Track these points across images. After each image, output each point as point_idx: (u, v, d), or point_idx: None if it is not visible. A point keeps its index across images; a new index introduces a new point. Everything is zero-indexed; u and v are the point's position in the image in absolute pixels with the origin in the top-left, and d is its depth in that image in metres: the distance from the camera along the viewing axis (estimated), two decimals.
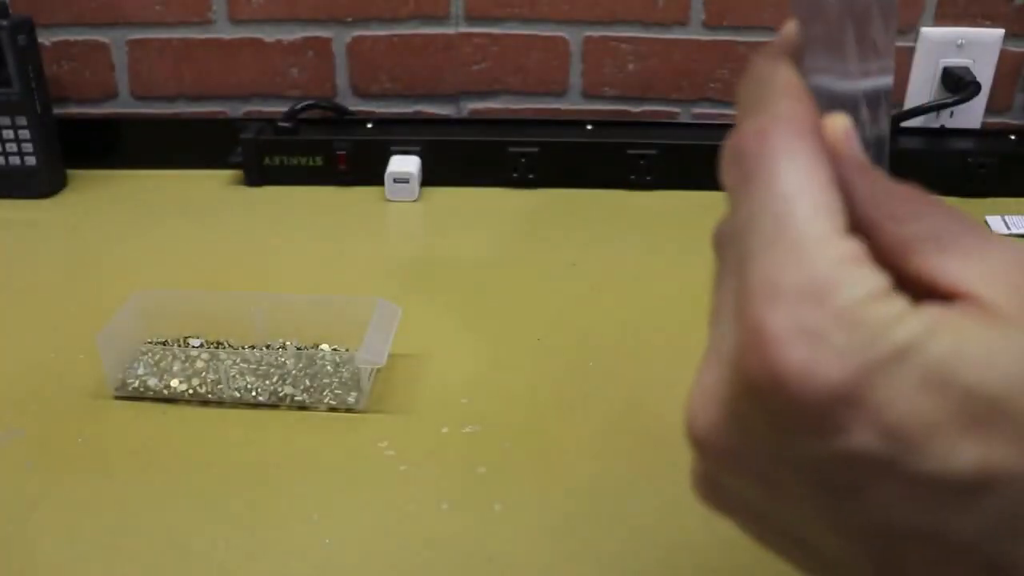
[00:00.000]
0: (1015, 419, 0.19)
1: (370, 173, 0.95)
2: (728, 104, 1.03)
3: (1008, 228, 0.86)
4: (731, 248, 0.23)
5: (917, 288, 0.22)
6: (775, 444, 0.21)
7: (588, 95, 1.03)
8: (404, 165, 0.94)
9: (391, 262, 0.82)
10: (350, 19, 1.00)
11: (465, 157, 0.96)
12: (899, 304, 0.20)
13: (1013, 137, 0.96)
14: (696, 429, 0.23)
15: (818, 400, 0.19)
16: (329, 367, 0.62)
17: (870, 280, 0.20)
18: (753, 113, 0.24)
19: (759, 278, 0.21)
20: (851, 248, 0.21)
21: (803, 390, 0.20)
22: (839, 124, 0.25)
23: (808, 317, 0.20)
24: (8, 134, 0.92)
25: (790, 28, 0.27)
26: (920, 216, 0.23)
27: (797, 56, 0.26)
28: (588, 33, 1.00)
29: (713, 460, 0.23)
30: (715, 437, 0.22)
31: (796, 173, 0.22)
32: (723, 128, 0.99)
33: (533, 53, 1.01)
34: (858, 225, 0.23)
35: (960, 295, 0.21)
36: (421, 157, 0.95)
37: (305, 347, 0.65)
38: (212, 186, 0.97)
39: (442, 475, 0.55)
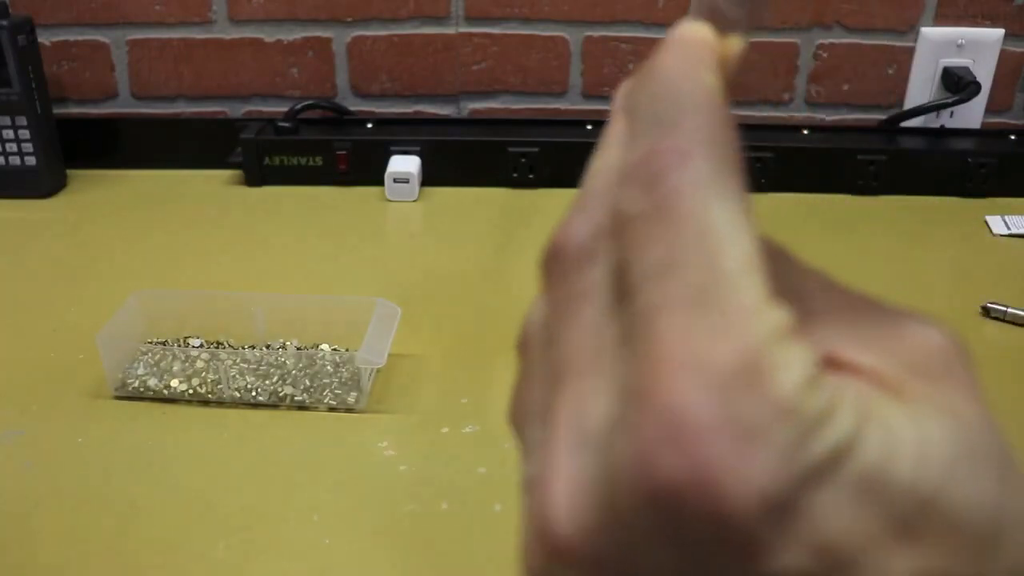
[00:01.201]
0: (946, 517, 0.17)
1: (370, 173, 0.95)
2: (730, 103, 1.03)
3: (1008, 228, 0.86)
4: (603, 294, 0.19)
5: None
6: (676, 562, 0.17)
7: (588, 95, 1.03)
8: (404, 165, 0.94)
9: (391, 262, 0.82)
10: (350, 19, 1.00)
11: (465, 157, 0.96)
12: (829, 390, 0.17)
13: (1013, 137, 0.96)
14: (559, 536, 0.18)
15: (748, 512, 0.16)
16: (329, 367, 0.62)
17: (805, 361, 0.17)
18: (670, 125, 0.19)
19: (677, 347, 0.17)
20: (784, 318, 0.17)
21: (733, 499, 0.16)
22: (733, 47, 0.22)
23: (743, 406, 0.16)
24: (8, 134, 0.92)
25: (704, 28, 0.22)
26: (785, 276, 0.20)
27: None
28: (588, 33, 1.00)
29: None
30: (587, 548, 0.17)
31: (728, 219, 0.18)
32: None
33: (533, 53, 1.01)
34: None
35: (858, 370, 0.18)
36: (421, 157, 0.95)
37: (305, 347, 0.65)
38: (212, 186, 0.97)
39: (442, 475, 0.55)
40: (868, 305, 0.20)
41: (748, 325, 0.17)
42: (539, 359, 0.21)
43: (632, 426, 0.17)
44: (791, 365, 0.17)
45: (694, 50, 0.21)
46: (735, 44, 0.23)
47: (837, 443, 0.16)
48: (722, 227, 0.18)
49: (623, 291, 0.19)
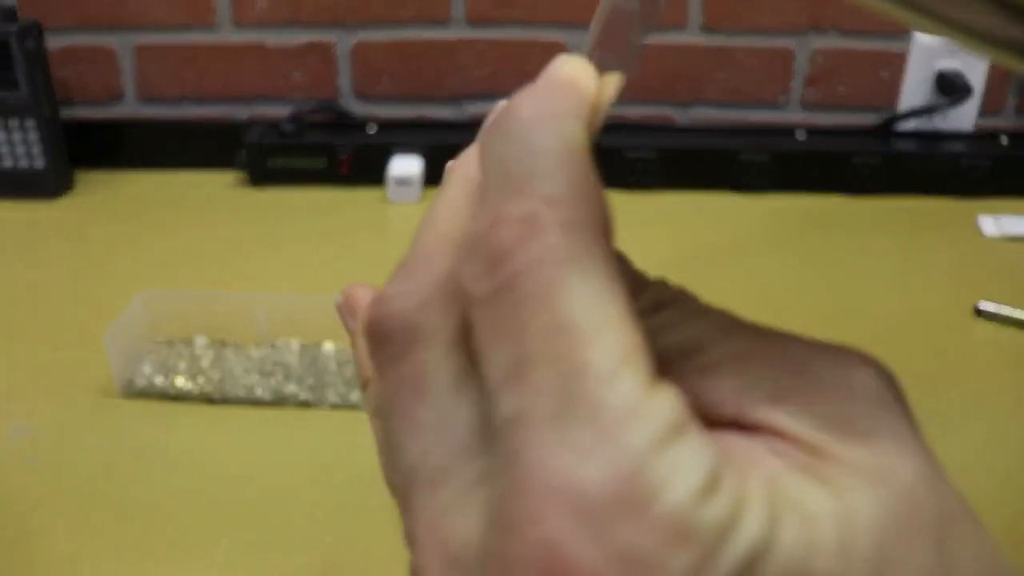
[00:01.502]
0: None
1: (372, 175, 0.96)
2: (727, 106, 1.04)
3: (1000, 229, 0.87)
4: (442, 378, 0.17)
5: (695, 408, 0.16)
6: None
7: None
8: (406, 167, 0.95)
9: (393, 263, 0.83)
10: (353, 23, 1.02)
11: None
12: (730, 492, 0.14)
13: (1005, 139, 0.97)
14: None
15: None
16: (332, 365, 0.63)
17: (698, 464, 0.14)
18: (520, 186, 0.16)
19: (544, 471, 0.14)
20: (668, 412, 0.15)
21: None
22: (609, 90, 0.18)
23: (628, 536, 0.14)
24: (16, 136, 0.93)
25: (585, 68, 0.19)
26: (681, 325, 0.17)
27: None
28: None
29: None
30: None
31: (590, 302, 0.15)
32: (722, 132, 1.00)
33: (533, 57, 1.02)
34: None
35: (771, 431, 0.16)
36: (423, 159, 0.96)
37: (308, 346, 0.67)
38: (217, 188, 0.98)
39: None
40: (781, 347, 0.17)
41: (622, 437, 0.14)
42: (384, 441, 0.19)
43: (505, 564, 0.14)
44: (679, 476, 0.14)
45: (561, 95, 0.18)
46: (613, 84, 0.20)
47: (748, 552, 0.14)
48: (581, 315, 0.15)
49: (473, 380, 0.16)
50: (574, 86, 0.18)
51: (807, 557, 0.14)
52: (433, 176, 0.97)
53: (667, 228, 0.89)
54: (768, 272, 0.81)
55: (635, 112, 1.05)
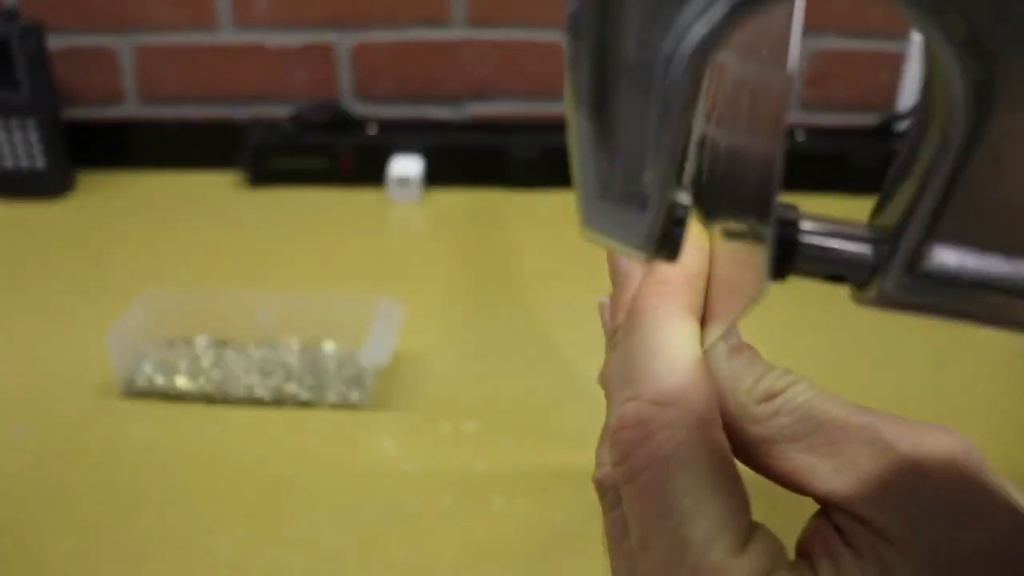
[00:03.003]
0: None
1: (373, 175, 0.96)
2: None
3: None
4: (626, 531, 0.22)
5: (785, 483, 0.21)
6: None
7: None
8: (406, 167, 0.95)
9: (393, 262, 0.84)
10: (353, 24, 1.02)
11: (467, 159, 0.98)
12: None
13: None
14: None
15: None
16: (333, 365, 0.64)
17: None
18: (638, 387, 0.21)
19: None
20: (751, 569, 0.19)
21: None
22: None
23: None
24: (18, 136, 0.93)
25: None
26: (779, 413, 0.21)
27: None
28: None
29: None
30: None
31: (691, 485, 0.20)
32: None
33: (533, 57, 1.03)
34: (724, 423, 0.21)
35: (833, 504, 0.20)
36: (423, 159, 0.97)
37: (309, 346, 0.67)
38: (217, 187, 0.99)
39: (444, 471, 0.56)
40: (871, 434, 0.20)
41: None
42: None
43: None
44: None
45: (678, 294, 0.22)
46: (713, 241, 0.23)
47: None
48: (684, 499, 0.19)
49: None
50: (688, 283, 0.22)
51: None
52: (432, 176, 0.97)
53: None
54: None
55: None
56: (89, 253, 0.86)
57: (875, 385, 0.63)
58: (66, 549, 0.50)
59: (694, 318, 0.22)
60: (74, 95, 1.05)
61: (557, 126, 1.13)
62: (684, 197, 0.18)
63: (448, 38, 1.02)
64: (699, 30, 0.15)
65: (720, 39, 0.15)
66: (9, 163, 0.94)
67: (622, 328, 0.23)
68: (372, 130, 1.00)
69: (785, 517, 0.23)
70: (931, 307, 0.18)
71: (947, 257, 0.17)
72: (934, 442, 0.19)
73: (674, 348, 0.21)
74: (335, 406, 0.62)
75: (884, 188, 0.19)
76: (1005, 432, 0.59)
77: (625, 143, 0.16)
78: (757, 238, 0.19)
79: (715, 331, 0.22)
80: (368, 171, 0.97)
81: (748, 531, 0.19)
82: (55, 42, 1.01)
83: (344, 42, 1.03)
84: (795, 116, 1.05)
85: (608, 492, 0.23)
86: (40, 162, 0.94)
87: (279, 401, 0.62)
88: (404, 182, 0.95)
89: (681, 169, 0.18)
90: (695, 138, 0.24)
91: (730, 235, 0.21)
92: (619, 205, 0.17)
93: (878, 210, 0.19)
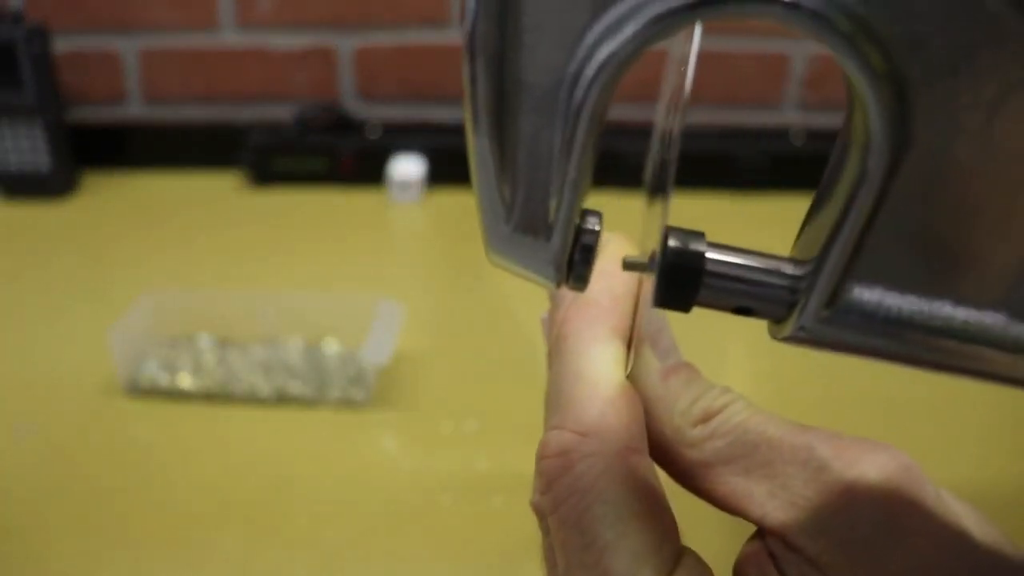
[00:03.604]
0: None
1: (374, 176, 0.97)
2: (724, 108, 1.05)
3: None
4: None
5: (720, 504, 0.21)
6: None
7: None
8: (407, 168, 0.96)
9: (395, 262, 0.84)
10: (355, 26, 1.02)
11: (467, 161, 0.98)
12: None
13: None
14: None
15: None
16: (334, 365, 0.64)
17: None
18: (562, 415, 0.22)
19: None
20: None
21: None
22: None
23: None
24: (22, 137, 0.94)
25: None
26: (715, 435, 0.21)
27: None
28: None
29: None
30: None
31: (611, 517, 0.20)
32: (720, 133, 1.01)
33: None
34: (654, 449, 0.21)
35: (767, 529, 0.20)
36: (424, 160, 0.97)
37: (311, 345, 0.67)
38: (220, 188, 0.99)
39: (444, 470, 0.56)
40: (804, 454, 0.20)
41: None
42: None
43: None
44: None
45: (589, 322, 0.22)
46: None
47: None
48: (603, 531, 0.19)
49: None
50: (614, 304, 0.22)
51: None
52: (434, 177, 0.98)
53: None
54: None
55: (632, 114, 1.06)
56: (92, 253, 0.86)
57: (871, 391, 0.63)
58: (69, 548, 0.50)
59: (619, 341, 0.22)
60: (78, 97, 1.05)
61: None
62: (593, 222, 0.17)
63: (449, 40, 1.03)
64: (606, 51, 0.14)
65: (628, 61, 0.14)
66: (14, 164, 0.95)
67: (550, 352, 0.23)
68: (373, 131, 1.01)
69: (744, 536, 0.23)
70: (849, 345, 0.17)
71: (867, 293, 0.17)
72: (869, 461, 0.19)
73: (596, 373, 0.21)
74: (337, 405, 0.62)
75: (804, 219, 0.18)
76: (990, 437, 0.59)
77: (527, 167, 0.15)
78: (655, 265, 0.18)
79: (640, 354, 0.22)
80: (369, 172, 0.97)
81: (674, 560, 0.19)
82: (59, 44, 1.02)
83: (345, 44, 1.03)
84: (794, 117, 1.05)
85: (543, 518, 0.22)
86: (44, 163, 0.95)
87: (281, 400, 0.63)
88: (405, 183, 0.95)
89: (585, 195, 0.18)
90: (656, 134, 0.23)
91: (652, 258, 0.20)
92: (523, 232, 0.16)
93: (798, 240, 0.18)
